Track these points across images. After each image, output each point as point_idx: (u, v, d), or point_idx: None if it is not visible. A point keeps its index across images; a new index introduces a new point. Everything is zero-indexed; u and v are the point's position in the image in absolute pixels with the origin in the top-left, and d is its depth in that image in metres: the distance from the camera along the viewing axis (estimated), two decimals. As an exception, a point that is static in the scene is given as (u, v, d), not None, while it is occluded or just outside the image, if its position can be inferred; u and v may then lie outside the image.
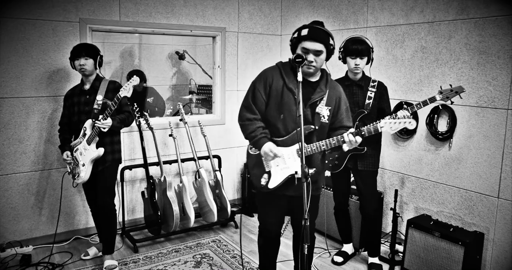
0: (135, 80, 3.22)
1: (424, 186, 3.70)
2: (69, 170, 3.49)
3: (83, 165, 3.31)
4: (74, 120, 3.39)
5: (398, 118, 2.37)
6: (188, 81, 6.20)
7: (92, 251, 3.71)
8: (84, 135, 3.30)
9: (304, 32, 2.45)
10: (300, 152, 2.52)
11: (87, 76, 3.35)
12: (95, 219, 3.67)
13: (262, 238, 2.99)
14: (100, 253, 3.66)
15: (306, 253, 2.10)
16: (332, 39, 2.49)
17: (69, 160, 3.39)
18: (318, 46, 2.45)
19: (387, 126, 2.40)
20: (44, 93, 3.80)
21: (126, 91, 3.19)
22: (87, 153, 3.30)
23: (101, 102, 3.28)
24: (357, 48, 3.12)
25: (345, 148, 2.48)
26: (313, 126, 2.56)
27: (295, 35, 2.51)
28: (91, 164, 3.31)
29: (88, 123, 3.28)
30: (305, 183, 2.10)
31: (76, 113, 3.37)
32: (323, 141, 2.51)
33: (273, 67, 2.67)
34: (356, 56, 3.14)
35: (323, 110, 2.58)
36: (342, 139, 2.44)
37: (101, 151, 3.28)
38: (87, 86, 3.38)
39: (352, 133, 2.41)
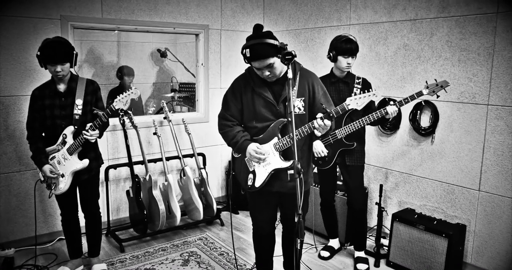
0: (135, 93, 2.93)
1: (407, 180, 3.78)
2: (42, 179, 3.20)
3: (63, 176, 3.08)
4: (47, 125, 3.07)
5: (363, 93, 2.42)
6: (170, 79, 6.15)
7: None
8: (64, 142, 3.04)
9: (247, 53, 2.42)
10: (277, 146, 2.61)
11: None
12: (68, 228, 3.35)
13: (256, 237, 3.01)
14: None
15: (299, 247, 2.13)
16: (275, 46, 2.40)
17: (54, 176, 3.07)
18: (266, 61, 2.43)
19: (353, 103, 2.43)
20: (24, 92, 3.70)
21: (122, 103, 2.92)
22: (68, 163, 3.05)
23: (81, 106, 3.02)
24: (350, 47, 3.17)
25: (317, 133, 2.49)
26: (285, 119, 2.60)
27: (243, 55, 2.47)
28: (72, 175, 3.09)
29: (68, 130, 3.02)
30: (297, 179, 2.12)
31: (49, 118, 3.04)
32: (296, 130, 2.52)
33: (242, 75, 2.74)
34: (349, 55, 3.19)
35: (295, 102, 2.60)
36: (312, 125, 2.46)
37: (86, 162, 3.07)
38: (61, 88, 3.05)
39: (320, 118, 2.42)
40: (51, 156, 3.10)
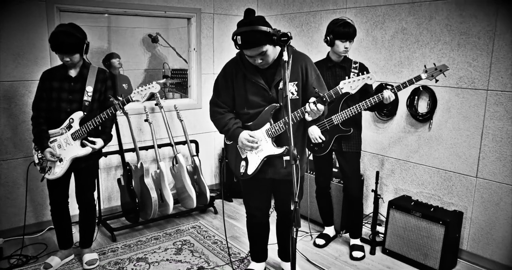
0: (155, 87, 2.96)
1: (403, 167, 3.73)
2: (37, 161, 3.12)
3: (61, 161, 3.01)
4: (52, 107, 3.02)
5: (357, 76, 2.36)
6: (162, 66, 6.03)
7: (54, 261, 3.25)
8: (69, 127, 2.98)
9: (239, 40, 2.32)
10: (269, 132, 2.55)
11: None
12: (57, 217, 3.24)
13: (250, 224, 2.96)
14: (63, 262, 3.31)
15: (295, 236, 2.07)
16: (267, 33, 2.31)
17: (55, 159, 3.00)
18: (258, 49, 2.35)
19: (347, 86, 2.39)
20: (9, 78, 3.58)
21: (140, 96, 2.94)
22: (70, 148, 3.00)
23: (91, 93, 3.00)
24: (348, 31, 3.09)
25: (308, 118, 2.43)
26: (277, 104, 2.54)
27: (234, 42, 2.37)
28: (71, 161, 3.02)
29: (77, 115, 2.97)
30: (294, 165, 2.05)
31: (56, 100, 3.00)
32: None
33: (233, 60, 2.66)
34: (347, 39, 3.11)
35: (288, 86, 2.52)
36: (305, 109, 2.40)
37: (89, 150, 3.01)
38: (72, 73, 3.01)
39: (313, 102, 2.36)
40: (52, 139, 3.05)
